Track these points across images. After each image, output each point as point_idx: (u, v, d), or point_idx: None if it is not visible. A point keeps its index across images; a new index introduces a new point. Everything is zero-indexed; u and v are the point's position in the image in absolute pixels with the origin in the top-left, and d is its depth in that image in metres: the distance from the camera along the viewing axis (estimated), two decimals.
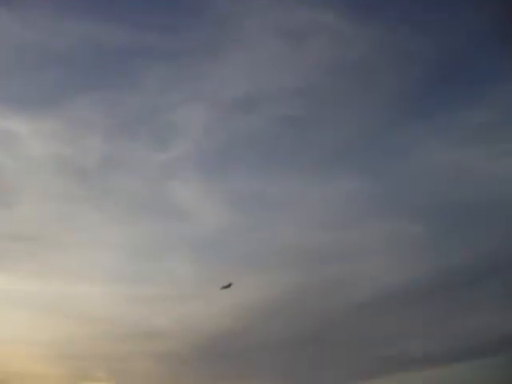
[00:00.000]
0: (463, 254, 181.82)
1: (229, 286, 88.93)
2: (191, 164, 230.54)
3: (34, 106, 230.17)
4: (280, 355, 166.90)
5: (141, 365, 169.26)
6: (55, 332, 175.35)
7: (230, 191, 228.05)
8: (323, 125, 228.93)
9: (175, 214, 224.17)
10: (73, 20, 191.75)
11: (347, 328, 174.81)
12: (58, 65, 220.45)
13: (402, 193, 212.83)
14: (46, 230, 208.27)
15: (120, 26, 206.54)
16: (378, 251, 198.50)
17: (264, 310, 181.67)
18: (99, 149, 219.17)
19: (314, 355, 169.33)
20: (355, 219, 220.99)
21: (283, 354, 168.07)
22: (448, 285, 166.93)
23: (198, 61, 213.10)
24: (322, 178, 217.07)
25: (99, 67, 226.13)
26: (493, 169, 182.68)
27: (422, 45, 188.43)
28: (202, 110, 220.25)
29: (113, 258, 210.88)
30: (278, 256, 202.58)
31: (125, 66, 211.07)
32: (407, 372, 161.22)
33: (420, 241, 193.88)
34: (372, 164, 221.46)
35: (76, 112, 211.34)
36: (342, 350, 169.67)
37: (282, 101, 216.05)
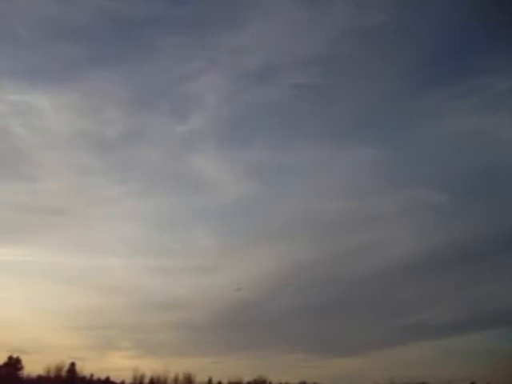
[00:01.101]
0: (487, 222, 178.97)
1: (239, 289, 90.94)
2: (210, 135, 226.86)
3: (55, 80, 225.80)
4: (300, 323, 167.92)
5: (163, 334, 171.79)
6: (80, 303, 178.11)
7: (249, 162, 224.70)
8: (342, 93, 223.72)
9: (195, 185, 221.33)
10: None
11: (367, 296, 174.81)
12: (77, 38, 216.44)
13: (423, 160, 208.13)
14: (70, 204, 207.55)
15: None
16: (399, 219, 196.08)
17: (284, 279, 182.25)
18: (119, 121, 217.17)
19: (333, 323, 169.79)
20: (376, 187, 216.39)
21: (303, 322, 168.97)
22: (471, 253, 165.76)
23: (215, 30, 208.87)
24: (341, 147, 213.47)
25: (116, 39, 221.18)
26: None
27: (442, 9, 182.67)
28: (219, 80, 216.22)
29: (135, 230, 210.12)
30: (298, 225, 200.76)
31: (141, 37, 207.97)
32: (428, 341, 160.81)
33: (443, 209, 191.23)
34: (392, 131, 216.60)
35: (95, 85, 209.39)
36: (362, 318, 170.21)
37: (301, 69, 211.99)
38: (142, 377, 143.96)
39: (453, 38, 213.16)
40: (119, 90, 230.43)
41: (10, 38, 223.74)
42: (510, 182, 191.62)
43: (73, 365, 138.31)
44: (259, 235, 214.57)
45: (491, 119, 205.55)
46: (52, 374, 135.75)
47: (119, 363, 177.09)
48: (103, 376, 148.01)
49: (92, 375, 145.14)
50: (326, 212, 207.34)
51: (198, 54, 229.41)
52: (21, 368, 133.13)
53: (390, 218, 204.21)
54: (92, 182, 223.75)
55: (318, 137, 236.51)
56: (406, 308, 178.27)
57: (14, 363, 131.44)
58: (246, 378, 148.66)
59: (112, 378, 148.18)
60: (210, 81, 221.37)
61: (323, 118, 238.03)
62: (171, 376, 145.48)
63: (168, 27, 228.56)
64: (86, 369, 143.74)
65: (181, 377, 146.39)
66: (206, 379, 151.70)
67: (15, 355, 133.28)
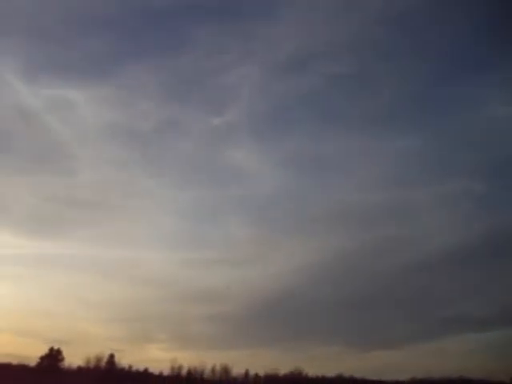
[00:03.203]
0: None
1: (228, 288, 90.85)
2: (245, 126, 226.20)
3: (88, 74, 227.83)
4: (337, 316, 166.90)
5: (200, 326, 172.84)
6: (118, 295, 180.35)
7: (284, 153, 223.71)
8: (377, 82, 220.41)
9: (231, 177, 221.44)
10: None
11: (405, 288, 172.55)
12: (109, 31, 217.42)
13: (461, 149, 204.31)
14: (106, 197, 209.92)
15: None
16: (436, 210, 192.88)
17: (321, 271, 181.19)
18: (153, 113, 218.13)
19: (371, 316, 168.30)
20: (413, 178, 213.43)
21: (340, 314, 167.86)
22: (510, 245, 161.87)
23: (249, 20, 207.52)
24: (378, 137, 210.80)
25: (149, 31, 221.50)
26: None
27: None
28: (254, 71, 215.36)
29: (171, 222, 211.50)
30: (335, 216, 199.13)
31: (174, 28, 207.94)
32: (466, 333, 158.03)
33: (481, 199, 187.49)
34: (430, 120, 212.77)
35: (129, 77, 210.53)
36: (400, 311, 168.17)
37: (335, 58, 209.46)
38: (180, 368, 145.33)
39: (489, 22, 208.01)
40: (153, 81, 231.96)
41: (43, 33, 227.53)
42: None
43: (112, 356, 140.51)
44: (296, 226, 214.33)
45: None
46: (91, 365, 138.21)
47: (156, 355, 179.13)
48: (141, 367, 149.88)
49: (130, 366, 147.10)
50: (362, 203, 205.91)
51: (233, 44, 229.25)
52: (61, 359, 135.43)
53: (428, 209, 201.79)
54: (128, 175, 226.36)
55: (353, 127, 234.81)
56: (445, 300, 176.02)
57: (54, 354, 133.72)
58: (283, 370, 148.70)
59: (150, 370, 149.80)
60: (244, 72, 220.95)
61: (359, 108, 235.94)
62: (208, 368, 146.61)
63: (202, 17, 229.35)
64: (124, 360, 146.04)
65: (218, 368, 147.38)
66: (242, 371, 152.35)
67: (56, 347, 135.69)
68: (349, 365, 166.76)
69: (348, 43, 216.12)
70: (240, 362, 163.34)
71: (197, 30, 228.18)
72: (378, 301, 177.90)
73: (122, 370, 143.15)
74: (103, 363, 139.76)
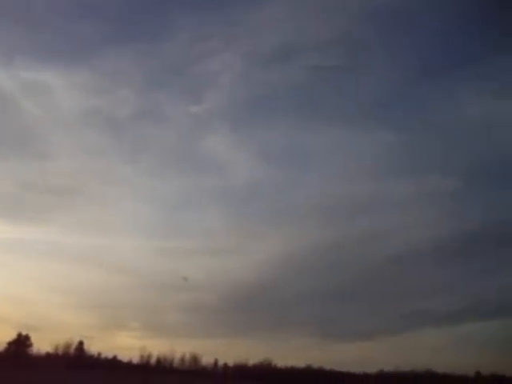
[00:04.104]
0: (501, 210, 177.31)
1: (185, 279, 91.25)
2: (225, 116, 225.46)
3: (67, 58, 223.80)
4: (309, 307, 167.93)
5: (172, 315, 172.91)
6: (91, 282, 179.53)
7: (264, 144, 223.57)
8: (360, 76, 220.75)
9: (209, 167, 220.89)
10: None
11: (378, 281, 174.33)
12: (90, 15, 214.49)
13: (440, 145, 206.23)
14: (82, 183, 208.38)
15: None
16: (413, 205, 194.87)
17: (296, 263, 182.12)
18: (132, 100, 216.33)
19: (342, 308, 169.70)
20: (392, 172, 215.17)
21: (312, 306, 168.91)
22: (483, 241, 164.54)
23: (232, 7, 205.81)
24: (359, 130, 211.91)
25: (130, 16, 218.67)
26: None
27: None
28: (236, 59, 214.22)
29: (147, 211, 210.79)
30: (311, 209, 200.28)
31: (156, 13, 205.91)
32: (435, 328, 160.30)
33: (457, 196, 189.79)
34: (410, 115, 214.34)
35: (108, 63, 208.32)
36: (372, 304, 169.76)
37: (320, 50, 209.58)
38: (149, 356, 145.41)
39: (474, 18, 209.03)
40: (132, 68, 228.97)
41: (23, 15, 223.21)
42: None
43: (81, 343, 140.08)
44: (273, 218, 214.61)
45: (509, 106, 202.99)
46: (60, 352, 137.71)
47: (127, 343, 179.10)
48: (110, 355, 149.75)
49: (99, 354, 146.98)
50: (341, 196, 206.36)
51: (215, 31, 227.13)
52: (30, 345, 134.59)
53: (405, 204, 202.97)
54: (104, 162, 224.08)
55: (335, 120, 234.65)
56: (416, 294, 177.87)
57: (22, 340, 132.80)
58: (252, 361, 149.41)
59: (119, 357, 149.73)
60: (226, 60, 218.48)
61: (341, 101, 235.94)
62: (178, 356, 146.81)
63: (184, 3, 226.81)
64: (93, 347, 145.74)
65: (187, 357, 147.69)
66: (212, 360, 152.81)
67: (24, 332, 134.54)
68: (318, 356, 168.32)
69: (333, 36, 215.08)
70: (211, 351, 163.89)
71: (178, 16, 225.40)
72: (350, 293, 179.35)
73: (91, 357, 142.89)
74: (72, 350, 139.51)
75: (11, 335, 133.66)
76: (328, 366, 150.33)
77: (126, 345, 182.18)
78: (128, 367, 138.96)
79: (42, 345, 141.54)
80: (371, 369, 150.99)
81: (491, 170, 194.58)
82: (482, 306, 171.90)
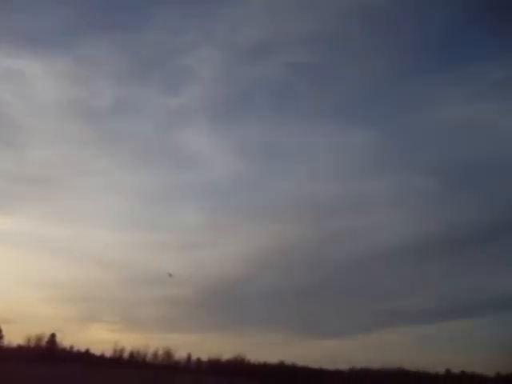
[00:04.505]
0: (474, 212, 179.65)
1: (170, 275, 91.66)
2: (203, 110, 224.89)
3: (46, 46, 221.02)
4: (284, 304, 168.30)
5: (147, 309, 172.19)
6: (66, 275, 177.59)
7: (241, 139, 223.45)
8: (339, 73, 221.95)
9: (185, 160, 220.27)
10: None
11: (352, 280, 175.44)
12: (70, 2, 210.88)
13: (416, 146, 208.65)
14: (56, 173, 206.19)
15: None
16: (388, 205, 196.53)
17: (272, 259, 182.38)
18: (110, 92, 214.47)
19: (317, 305, 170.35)
20: (368, 172, 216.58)
21: (288, 302, 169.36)
22: (456, 242, 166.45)
23: (212, 1, 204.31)
24: (334, 129, 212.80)
25: (112, 6, 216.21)
26: (509, 125, 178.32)
27: None
28: (215, 53, 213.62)
29: (125, 203, 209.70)
30: (288, 206, 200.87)
31: (137, 5, 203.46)
32: (407, 326, 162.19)
33: (432, 196, 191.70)
34: (387, 116, 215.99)
35: (88, 52, 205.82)
36: (346, 302, 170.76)
37: (299, 48, 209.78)
38: (122, 350, 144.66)
39: (452, 22, 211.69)
40: (111, 58, 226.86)
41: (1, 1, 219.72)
42: (500, 171, 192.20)
43: (53, 336, 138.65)
44: (248, 214, 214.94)
45: (486, 108, 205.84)
46: (32, 344, 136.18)
47: (101, 336, 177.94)
48: (83, 348, 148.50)
49: (72, 347, 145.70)
50: (316, 194, 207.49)
51: (195, 25, 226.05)
52: (1, 337, 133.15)
53: (380, 203, 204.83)
54: (80, 153, 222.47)
55: (312, 117, 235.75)
56: (390, 293, 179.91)
57: None
58: (226, 356, 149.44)
59: (92, 351, 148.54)
60: (205, 54, 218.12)
61: (319, 99, 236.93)
62: (151, 351, 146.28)
63: None
64: (66, 340, 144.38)
65: (160, 352, 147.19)
66: (185, 355, 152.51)
67: None
68: (291, 352, 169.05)
69: (312, 34, 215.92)
70: (184, 346, 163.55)
71: (158, 8, 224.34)
72: (325, 291, 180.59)
73: (63, 349, 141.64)
74: (44, 343, 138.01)
75: None
76: (301, 363, 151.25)
77: (100, 338, 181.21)
78: (100, 361, 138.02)
79: (13, 337, 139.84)
80: (343, 366, 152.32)
81: (466, 170, 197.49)
82: (452, 305, 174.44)
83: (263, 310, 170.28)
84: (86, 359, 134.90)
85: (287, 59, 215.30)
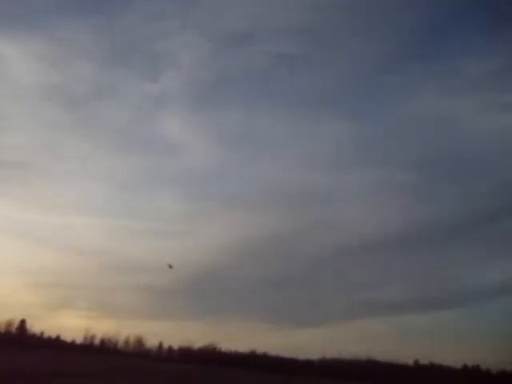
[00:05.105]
0: (450, 205, 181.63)
1: (171, 266, 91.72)
2: (182, 97, 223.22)
3: (24, 27, 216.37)
4: (259, 293, 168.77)
5: (121, 296, 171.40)
6: (40, 261, 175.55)
7: (220, 128, 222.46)
8: (320, 65, 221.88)
9: (165, 148, 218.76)
10: None
11: (329, 271, 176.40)
12: None
13: (394, 140, 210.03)
14: (33, 158, 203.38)
15: None
16: (366, 197, 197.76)
17: (249, 249, 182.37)
18: (89, 76, 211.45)
19: (292, 295, 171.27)
20: (346, 163, 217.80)
21: (263, 292, 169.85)
22: (432, 235, 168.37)
23: None
24: (314, 120, 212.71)
25: None
26: (489, 120, 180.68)
27: None
28: (195, 40, 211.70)
29: (102, 190, 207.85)
30: (266, 195, 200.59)
31: None
32: (379, 317, 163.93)
33: (409, 189, 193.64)
34: (366, 109, 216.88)
35: (67, 37, 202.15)
36: (325, 292, 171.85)
37: (281, 37, 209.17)
38: (93, 337, 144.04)
39: (430, 17, 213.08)
40: (90, 43, 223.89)
41: None
42: (476, 165, 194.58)
43: (23, 321, 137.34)
44: (228, 203, 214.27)
45: (463, 102, 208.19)
46: (1, 331, 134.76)
47: (72, 322, 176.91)
48: (54, 334, 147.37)
49: (42, 333, 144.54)
50: (294, 184, 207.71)
51: (176, 10, 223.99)
52: None
53: (357, 195, 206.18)
54: (57, 137, 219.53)
55: (293, 107, 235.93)
56: (364, 284, 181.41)
57: None
58: (197, 344, 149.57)
59: (63, 337, 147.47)
60: (186, 40, 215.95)
61: (298, 89, 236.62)
62: (122, 338, 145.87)
63: None
64: (37, 326, 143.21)
65: (132, 340, 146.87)
66: (157, 343, 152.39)
67: None
68: (263, 342, 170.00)
69: (295, 25, 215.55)
70: (156, 333, 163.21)
71: None
72: (301, 281, 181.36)
73: (33, 335, 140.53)
74: (13, 329, 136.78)
75: None
76: (272, 352, 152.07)
77: (71, 325, 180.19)
78: (71, 347, 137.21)
79: None
80: (315, 355, 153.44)
81: (444, 164, 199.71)
82: (425, 297, 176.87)
83: (237, 299, 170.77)
84: (56, 345, 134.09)
85: (267, 48, 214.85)
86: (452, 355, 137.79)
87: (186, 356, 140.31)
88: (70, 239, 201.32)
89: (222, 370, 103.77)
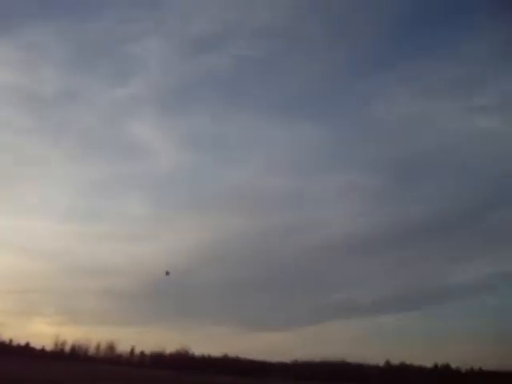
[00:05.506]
0: (417, 208, 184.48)
1: (168, 273, 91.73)
2: (150, 101, 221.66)
3: None
4: (229, 297, 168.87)
5: (89, 301, 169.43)
6: (3, 266, 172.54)
7: (188, 131, 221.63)
8: (287, 69, 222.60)
9: (131, 151, 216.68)
10: None
11: (299, 273, 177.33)
12: None
13: (361, 143, 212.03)
14: None
15: None
16: (332, 200, 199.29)
17: (217, 252, 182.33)
18: (55, 79, 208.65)
19: (262, 298, 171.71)
20: (312, 167, 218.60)
21: (233, 295, 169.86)
22: (400, 237, 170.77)
23: None
24: (282, 123, 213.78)
25: None
26: (455, 124, 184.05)
27: None
28: (164, 44, 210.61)
29: (66, 194, 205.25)
30: (234, 199, 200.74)
31: None
32: (350, 319, 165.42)
33: (376, 192, 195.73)
34: (333, 112, 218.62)
35: (34, 39, 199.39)
36: (292, 295, 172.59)
37: (248, 41, 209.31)
38: (63, 344, 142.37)
39: (402, 19, 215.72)
40: (57, 45, 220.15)
41: None
42: (443, 168, 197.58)
43: None
44: (194, 206, 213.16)
45: (435, 105, 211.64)
46: None
47: (41, 329, 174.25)
48: (23, 342, 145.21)
49: (11, 340, 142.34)
50: (263, 187, 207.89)
51: (145, 14, 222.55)
52: None
53: (326, 198, 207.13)
54: (23, 142, 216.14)
55: (259, 111, 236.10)
56: (335, 287, 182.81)
57: None
58: (169, 349, 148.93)
59: (32, 344, 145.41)
60: (153, 44, 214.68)
61: (267, 93, 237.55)
62: (93, 344, 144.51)
63: None
64: (5, 334, 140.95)
65: (103, 345, 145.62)
66: (128, 348, 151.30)
67: None
68: (235, 345, 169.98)
69: (262, 27, 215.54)
70: (127, 339, 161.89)
71: None
72: (272, 284, 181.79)
73: (2, 343, 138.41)
74: None
75: None
76: (244, 355, 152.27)
77: (40, 331, 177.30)
78: (41, 354, 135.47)
79: None
80: (287, 358, 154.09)
81: (415, 166, 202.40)
82: (393, 298, 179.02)
83: (207, 303, 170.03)
84: (26, 353, 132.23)
85: (237, 52, 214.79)
86: (422, 355, 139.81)
87: (159, 361, 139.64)
88: (36, 244, 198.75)
89: (194, 375, 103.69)
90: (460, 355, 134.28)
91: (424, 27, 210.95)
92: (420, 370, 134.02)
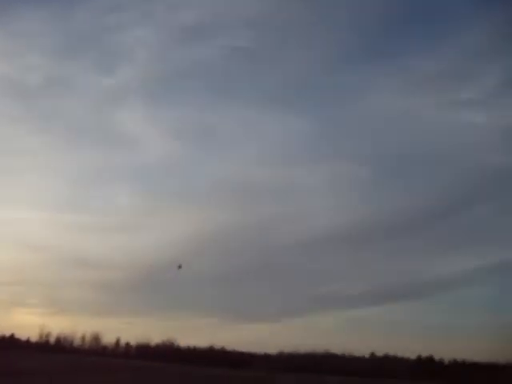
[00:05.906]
0: (404, 201, 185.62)
1: (180, 266, 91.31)
2: (138, 90, 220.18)
3: None
4: (216, 288, 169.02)
5: (76, 292, 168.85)
6: None
7: (176, 122, 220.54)
8: (275, 59, 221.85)
9: (119, 142, 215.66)
10: None
11: (286, 264, 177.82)
12: None
13: (349, 135, 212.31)
14: None
15: None
16: (320, 192, 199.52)
17: (204, 243, 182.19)
18: (43, 68, 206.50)
19: (249, 290, 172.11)
20: (302, 158, 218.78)
21: (219, 286, 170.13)
22: (387, 229, 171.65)
23: None
24: (270, 114, 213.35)
25: None
26: (442, 119, 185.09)
27: None
28: (152, 33, 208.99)
29: (54, 184, 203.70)
30: (222, 190, 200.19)
31: None
32: (335, 311, 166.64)
33: (363, 185, 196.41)
34: (322, 103, 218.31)
35: (21, 27, 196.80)
36: (279, 286, 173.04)
37: (236, 31, 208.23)
38: (48, 335, 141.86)
39: (387, 14, 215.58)
40: (45, 33, 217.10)
41: None
42: (429, 161, 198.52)
43: None
44: (182, 197, 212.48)
45: (419, 100, 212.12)
46: None
47: (26, 320, 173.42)
48: (8, 333, 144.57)
49: None
50: (251, 179, 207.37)
51: (133, 3, 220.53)
52: None
53: (314, 190, 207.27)
54: (10, 131, 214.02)
55: (248, 102, 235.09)
56: (322, 278, 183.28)
57: None
58: (155, 340, 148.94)
59: (17, 336, 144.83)
60: (142, 33, 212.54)
61: (255, 83, 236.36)
62: (78, 335, 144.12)
63: None
64: None
65: (88, 336, 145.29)
66: (114, 340, 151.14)
67: None
68: (221, 336, 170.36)
69: (251, 18, 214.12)
70: (113, 330, 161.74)
71: None
72: (259, 275, 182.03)
73: None
74: None
75: None
76: (230, 347, 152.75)
77: (25, 322, 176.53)
78: (26, 346, 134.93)
79: None
80: (272, 350, 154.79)
81: (399, 160, 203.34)
82: (378, 290, 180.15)
83: (196, 295, 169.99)
84: (11, 344, 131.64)
85: (225, 42, 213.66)
86: (406, 346, 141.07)
87: (144, 352, 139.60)
88: (22, 235, 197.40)
89: (180, 366, 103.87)
90: (443, 347, 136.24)
91: (410, 21, 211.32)
92: (404, 362, 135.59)
